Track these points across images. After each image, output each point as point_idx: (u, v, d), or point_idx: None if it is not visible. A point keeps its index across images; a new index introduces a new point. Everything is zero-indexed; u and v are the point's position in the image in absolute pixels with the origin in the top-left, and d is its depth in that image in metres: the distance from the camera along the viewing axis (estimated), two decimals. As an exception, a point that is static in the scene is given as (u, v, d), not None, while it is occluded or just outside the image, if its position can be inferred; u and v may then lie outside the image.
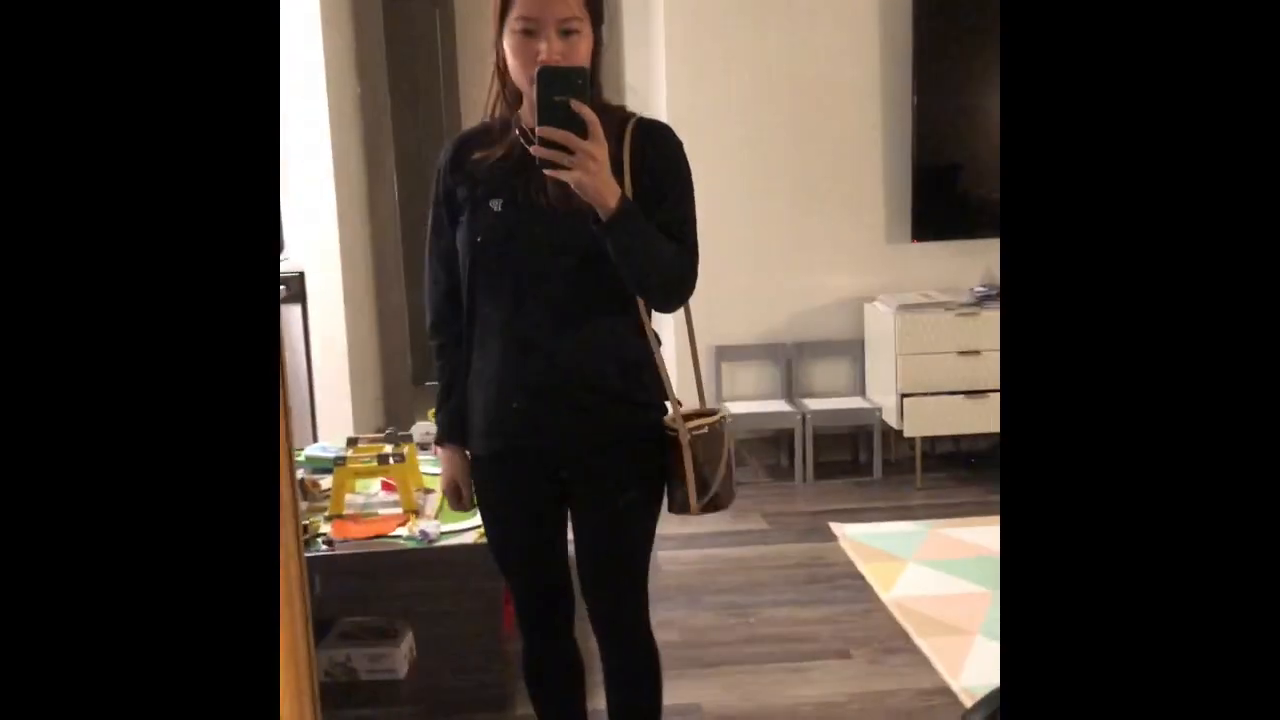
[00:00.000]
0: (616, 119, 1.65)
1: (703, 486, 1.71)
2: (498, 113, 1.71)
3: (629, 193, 1.59)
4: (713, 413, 1.78)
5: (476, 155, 1.69)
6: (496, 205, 1.65)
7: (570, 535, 1.82)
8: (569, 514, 1.81)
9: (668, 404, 1.76)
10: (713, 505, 1.75)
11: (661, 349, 1.76)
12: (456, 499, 1.84)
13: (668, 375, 1.75)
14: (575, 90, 1.50)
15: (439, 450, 1.84)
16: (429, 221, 1.77)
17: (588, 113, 1.50)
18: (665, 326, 3.77)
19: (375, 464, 2.71)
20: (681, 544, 3.56)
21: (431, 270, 1.78)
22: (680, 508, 1.74)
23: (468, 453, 1.80)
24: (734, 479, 1.81)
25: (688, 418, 1.75)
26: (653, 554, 1.84)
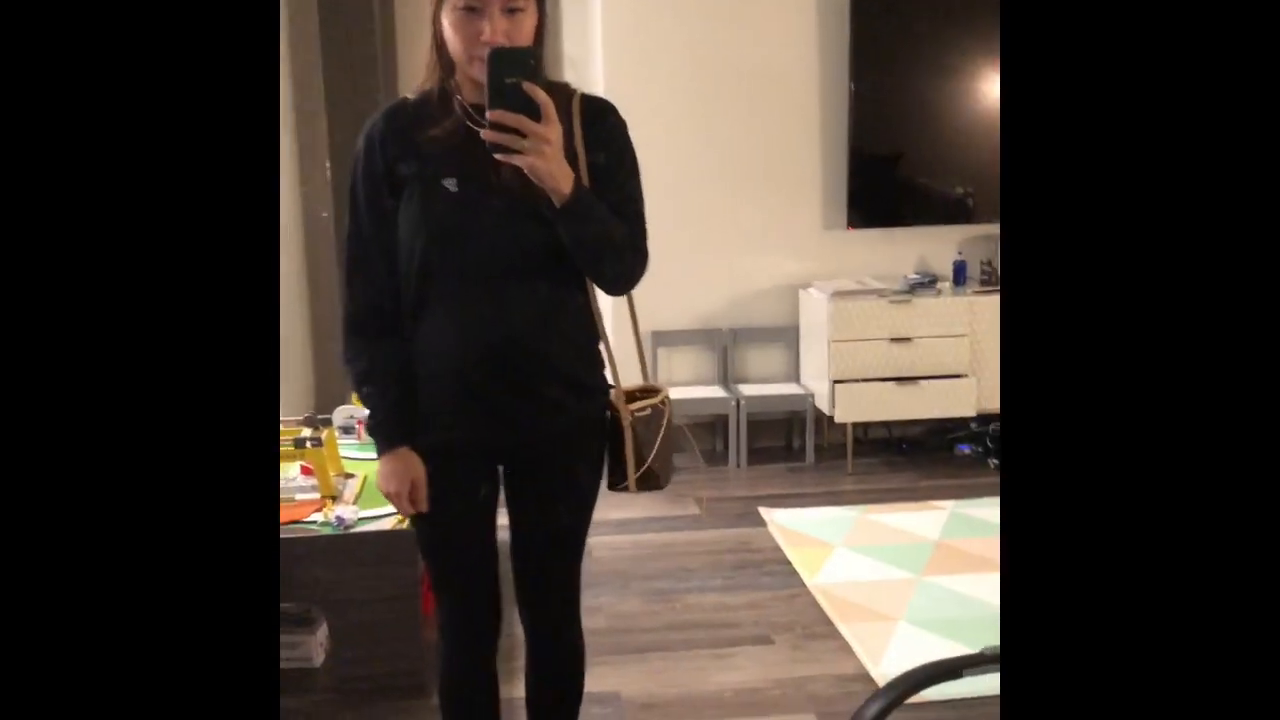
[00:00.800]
0: (563, 97, 1.59)
1: (641, 465, 1.72)
2: (434, 84, 1.62)
3: (581, 173, 1.56)
4: (655, 391, 1.78)
5: (416, 129, 1.59)
6: (451, 185, 1.58)
7: (507, 525, 1.78)
8: (507, 507, 1.77)
9: (611, 387, 1.75)
10: (651, 484, 1.75)
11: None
12: (412, 500, 1.67)
13: (612, 357, 1.74)
14: (527, 71, 1.45)
15: (388, 456, 1.66)
16: (358, 196, 1.64)
17: (541, 95, 1.45)
18: (606, 310, 3.72)
19: (292, 448, 2.65)
20: (614, 529, 3.54)
21: (363, 249, 1.64)
22: (619, 486, 1.75)
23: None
24: (672, 458, 1.81)
25: (631, 396, 1.75)
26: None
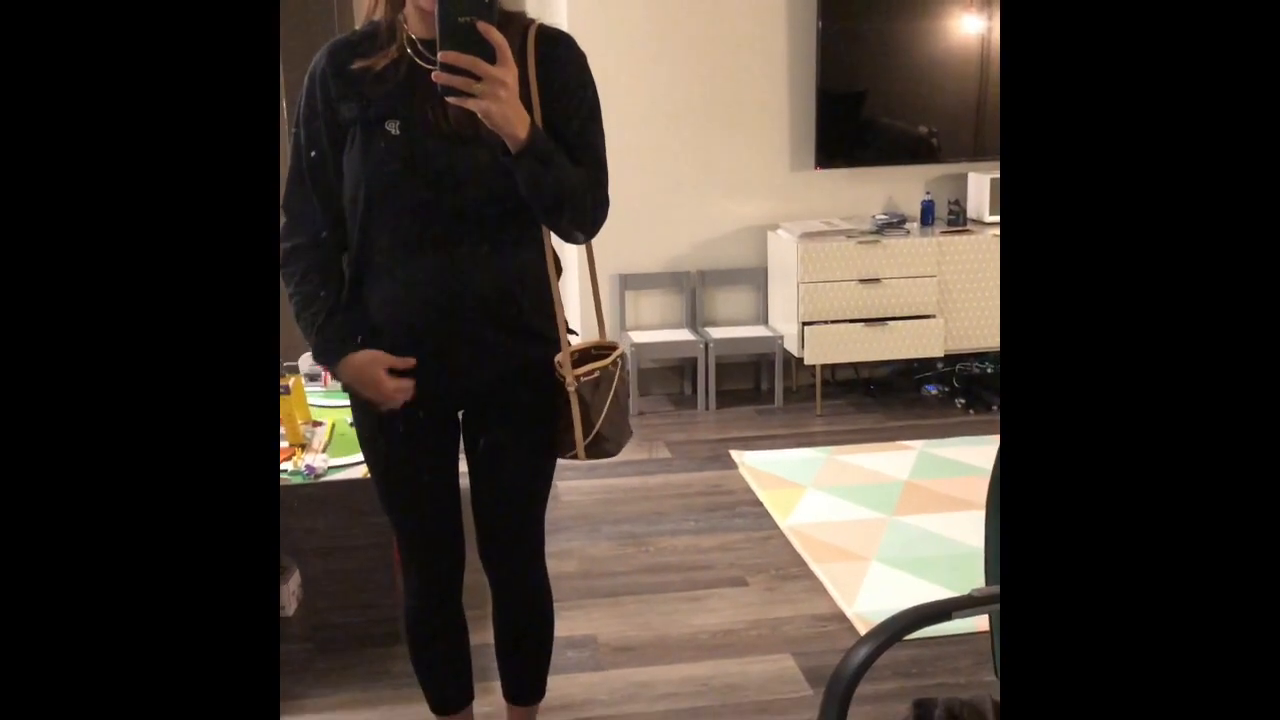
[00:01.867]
0: (518, 30, 1.51)
1: (589, 433, 1.63)
2: (380, 15, 1.54)
3: (536, 115, 1.48)
4: (608, 351, 1.69)
5: (359, 65, 1.52)
6: (394, 128, 1.50)
7: (465, 472, 1.75)
8: (464, 451, 1.73)
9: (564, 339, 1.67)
10: (601, 452, 1.66)
11: (562, 278, 1.68)
12: (381, 391, 1.57)
13: (562, 308, 1.66)
14: (481, 10, 1.36)
15: (342, 366, 1.59)
16: (299, 138, 1.58)
17: (496, 36, 1.36)
18: (566, 254, 3.67)
19: (258, 396, 2.59)
20: (583, 474, 3.53)
21: (299, 188, 1.58)
22: (567, 453, 1.66)
23: (354, 396, 1.65)
24: (627, 422, 1.72)
25: (584, 354, 1.67)
26: (552, 485, 1.79)
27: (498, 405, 1.65)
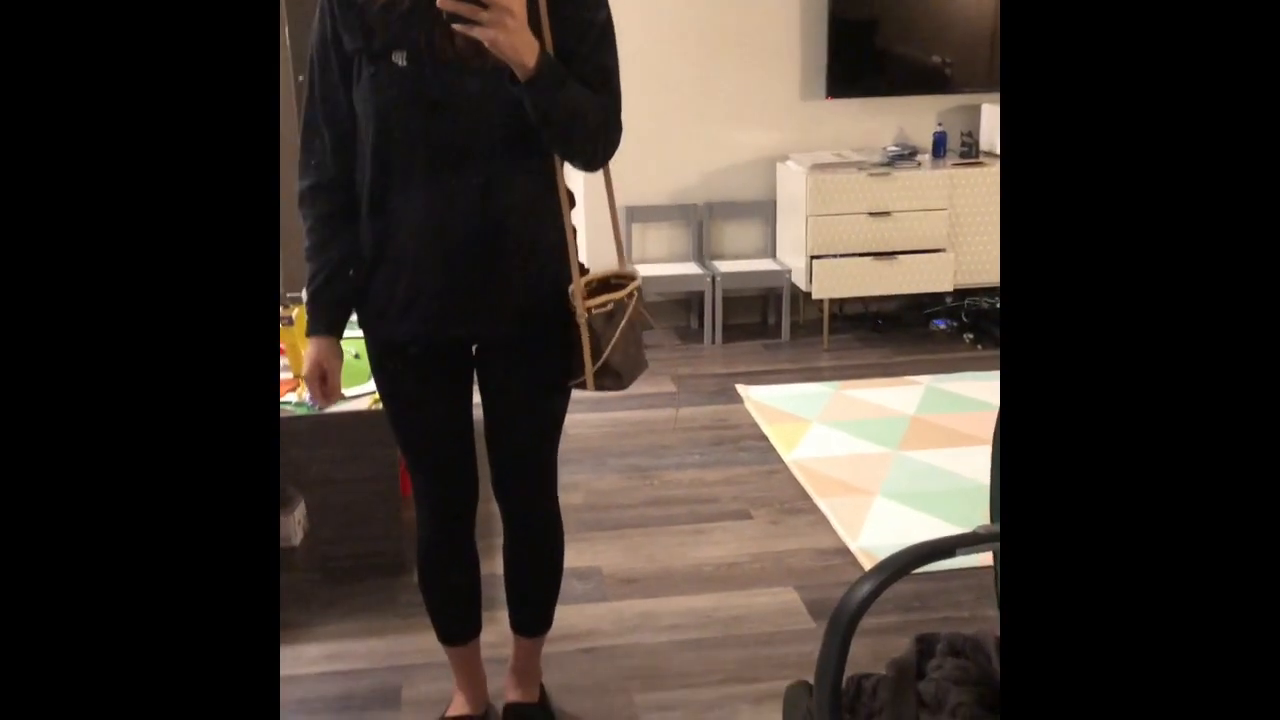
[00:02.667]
0: None
1: (599, 363, 1.61)
2: None
3: (546, 40, 1.44)
4: (624, 281, 1.66)
5: None
6: (400, 59, 1.47)
7: (480, 409, 1.74)
8: (479, 388, 1.72)
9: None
10: (610, 384, 1.64)
11: (573, 210, 1.65)
12: (321, 388, 1.67)
13: (574, 242, 1.63)
14: None
15: (309, 338, 1.66)
16: (313, 69, 1.56)
17: None
18: (575, 185, 3.61)
19: (262, 327, 2.58)
20: (590, 407, 3.53)
21: (311, 123, 1.58)
22: (577, 384, 1.65)
23: (371, 336, 1.66)
24: (642, 355, 1.70)
25: (602, 284, 1.65)
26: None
27: (512, 339, 1.64)
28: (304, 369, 1.67)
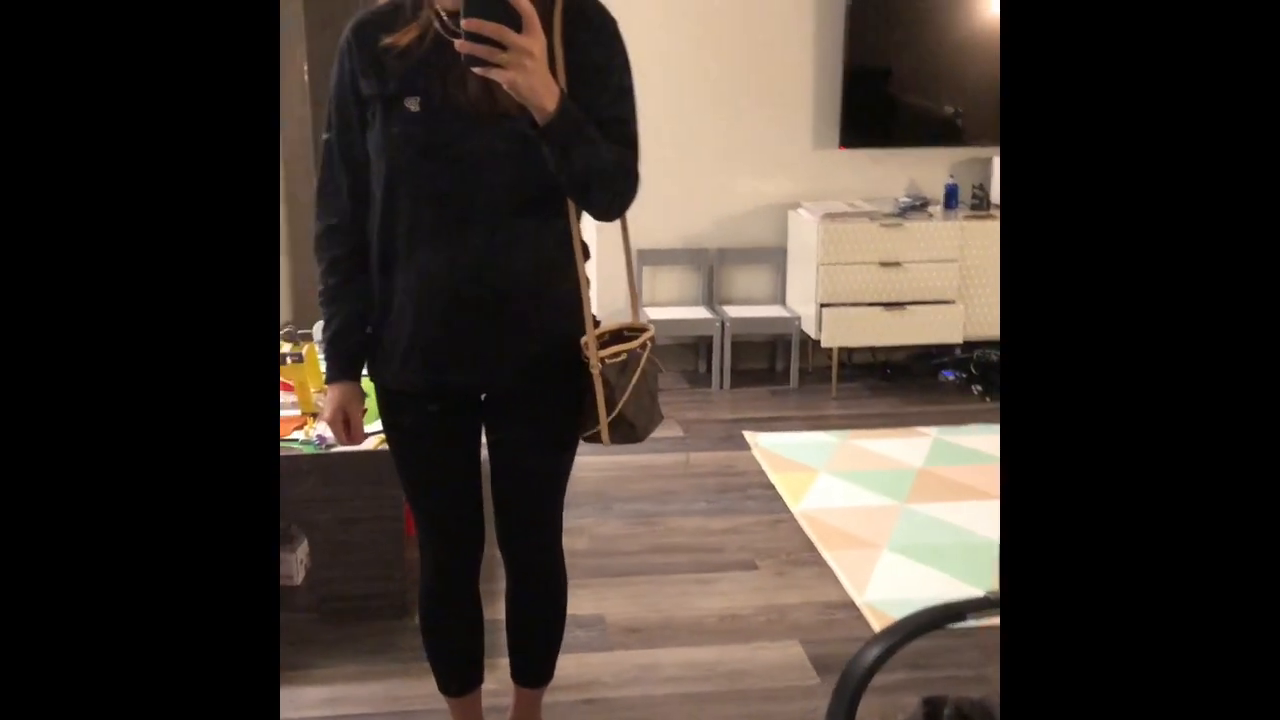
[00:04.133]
0: None
1: (613, 415, 1.58)
2: None
3: (562, 84, 1.42)
4: (637, 333, 1.64)
5: (385, 41, 1.48)
6: (413, 105, 1.46)
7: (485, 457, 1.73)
8: (486, 439, 1.70)
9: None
10: (626, 436, 1.62)
11: (589, 261, 1.63)
12: (345, 434, 1.69)
13: (587, 294, 1.60)
14: None
15: (329, 384, 1.67)
16: (330, 114, 1.56)
17: (523, 3, 1.31)
18: (588, 233, 3.62)
19: (271, 364, 2.58)
20: (595, 450, 3.49)
21: (329, 166, 1.58)
22: (591, 437, 1.62)
23: (379, 383, 1.66)
24: (657, 407, 1.67)
25: (614, 336, 1.63)
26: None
27: (521, 392, 1.62)
28: (326, 414, 1.67)
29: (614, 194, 1.50)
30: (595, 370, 1.56)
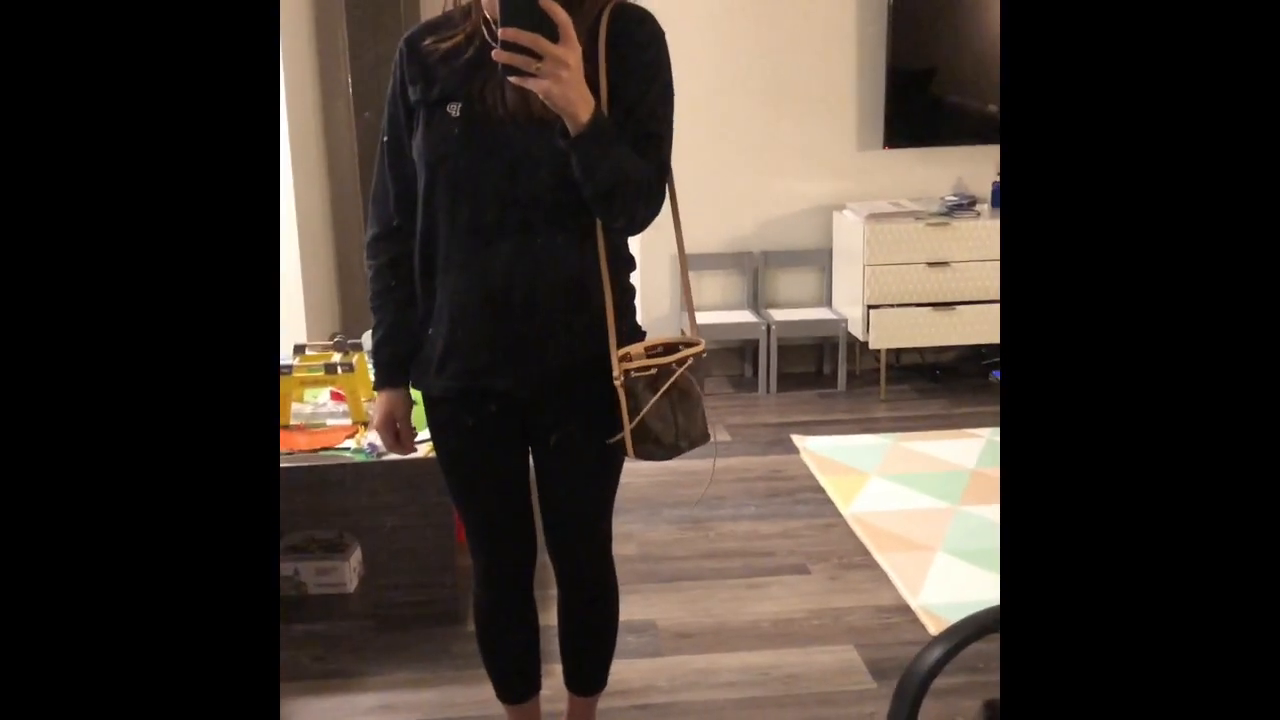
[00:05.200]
0: (592, 5, 1.46)
1: (639, 432, 1.54)
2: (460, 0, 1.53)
3: (602, 96, 1.42)
4: (684, 347, 1.59)
5: (432, 46, 1.50)
6: (455, 110, 1.47)
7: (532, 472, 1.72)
8: (531, 449, 1.68)
9: (638, 330, 1.62)
10: (654, 451, 1.57)
11: (633, 273, 1.61)
12: (394, 441, 1.70)
13: (624, 302, 1.57)
14: None
15: (377, 393, 1.69)
16: (385, 120, 1.58)
17: (559, 12, 1.31)
18: (635, 241, 3.62)
19: (323, 373, 2.60)
20: (642, 455, 3.50)
21: (380, 173, 1.59)
22: (615, 440, 1.57)
23: (422, 391, 1.65)
24: (697, 425, 1.61)
25: (667, 348, 1.58)
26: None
27: (566, 399, 1.59)
28: (375, 422, 1.69)
29: (635, 210, 1.47)
30: (618, 382, 1.53)
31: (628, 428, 1.55)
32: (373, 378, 1.69)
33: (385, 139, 1.58)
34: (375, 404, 1.69)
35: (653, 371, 1.55)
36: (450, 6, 1.55)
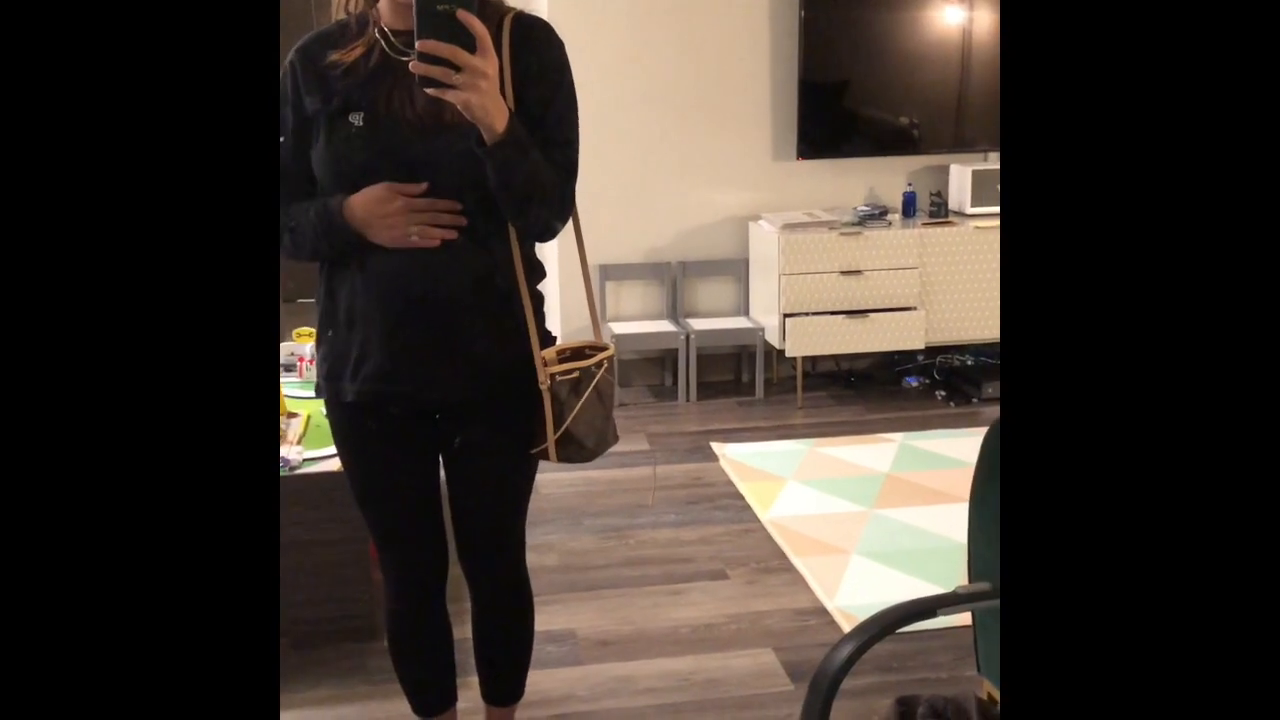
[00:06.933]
0: (493, 17, 1.46)
1: (560, 432, 1.57)
2: (354, 8, 1.52)
3: (509, 104, 1.42)
4: (594, 352, 1.62)
5: (331, 58, 1.49)
6: (357, 120, 1.46)
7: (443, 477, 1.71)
8: (442, 455, 1.67)
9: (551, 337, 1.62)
10: (574, 455, 1.59)
11: (544, 280, 1.62)
12: (390, 209, 1.46)
13: (538, 308, 1.58)
14: None
15: (346, 211, 1.46)
16: (277, 134, 1.54)
17: (477, 25, 1.31)
18: (549, 249, 3.64)
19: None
20: (564, 466, 3.49)
21: (283, 182, 1.54)
22: (540, 453, 1.60)
23: (327, 397, 1.62)
24: (611, 427, 1.65)
25: (575, 353, 1.61)
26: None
27: (475, 403, 1.59)
28: (378, 207, 1.46)
29: (548, 216, 1.49)
30: (544, 386, 1.55)
31: (552, 433, 1.56)
32: (333, 216, 1.48)
33: (282, 151, 1.53)
34: (358, 205, 1.46)
35: (575, 375, 1.57)
36: (344, 16, 1.53)
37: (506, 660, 1.85)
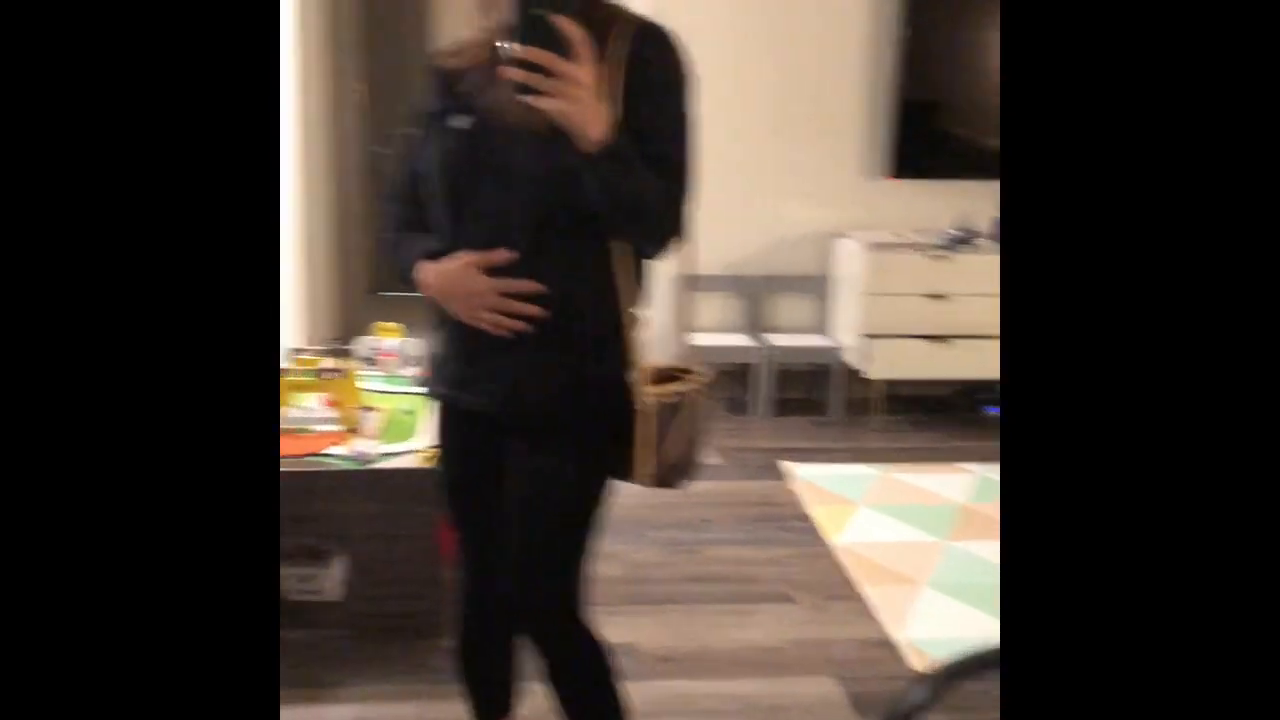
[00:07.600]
0: (611, 23, 1.42)
1: (661, 461, 1.51)
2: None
3: (619, 116, 1.37)
4: (687, 374, 1.57)
5: (452, 63, 1.51)
6: (463, 123, 1.45)
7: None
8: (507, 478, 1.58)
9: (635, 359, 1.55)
10: (669, 482, 1.55)
11: (640, 303, 1.56)
12: (473, 273, 1.45)
13: (637, 332, 1.52)
14: (558, 3, 1.30)
15: (422, 281, 1.49)
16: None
17: (573, 30, 1.28)
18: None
19: (314, 378, 2.58)
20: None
21: (396, 181, 1.59)
22: (629, 477, 1.53)
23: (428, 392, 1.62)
24: (700, 453, 1.59)
25: (663, 376, 1.55)
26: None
27: (556, 422, 1.52)
28: (445, 283, 1.47)
29: (653, 234, 1.44)
30: (650, 409, 1.49)
31: (651, 459, 1.51)
32: (407, 272, 1.52)
33: (409, 151, 1.57)
34: (435, 277, 1.48)
35: (676, 400, 1.52)
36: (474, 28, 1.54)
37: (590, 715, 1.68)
